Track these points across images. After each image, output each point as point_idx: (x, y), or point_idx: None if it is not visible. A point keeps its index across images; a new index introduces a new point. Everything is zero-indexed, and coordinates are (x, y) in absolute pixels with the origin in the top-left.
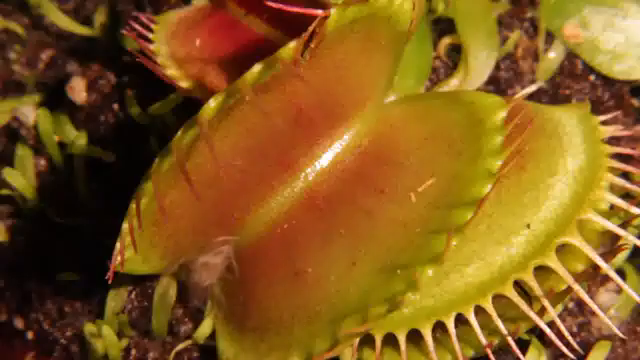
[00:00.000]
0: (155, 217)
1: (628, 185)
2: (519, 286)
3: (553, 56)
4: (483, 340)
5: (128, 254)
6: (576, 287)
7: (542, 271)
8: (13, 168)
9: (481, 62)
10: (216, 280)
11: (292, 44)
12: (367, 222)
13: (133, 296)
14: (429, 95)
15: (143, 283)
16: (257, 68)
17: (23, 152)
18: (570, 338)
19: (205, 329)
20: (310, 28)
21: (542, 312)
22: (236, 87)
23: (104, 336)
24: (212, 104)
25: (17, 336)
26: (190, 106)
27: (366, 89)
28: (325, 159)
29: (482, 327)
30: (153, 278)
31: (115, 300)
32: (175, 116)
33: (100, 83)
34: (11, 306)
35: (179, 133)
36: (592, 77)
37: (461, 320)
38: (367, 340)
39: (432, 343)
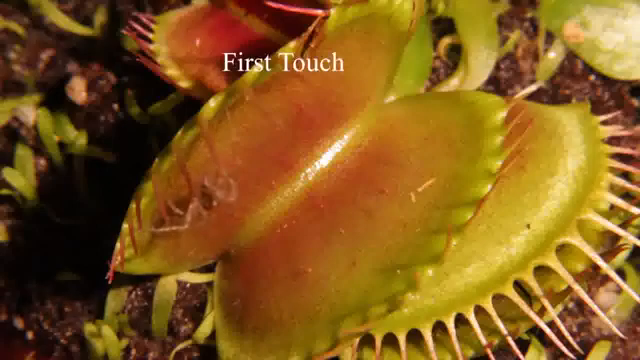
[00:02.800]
0: (155, 217)
1: (628, 185)
2: (519, 286)
3: (553, 56)
4: (483, 340)
5: (128, 254)
6: (576, 287)
7: (542, 271)
8: (13, 168)
9: (481, 62)
10: (216, 280)
11: (292, 44)
12: (367, 222)
13: (133, 296)
14: (429, 95)
15: (143, 283)
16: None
17: (23, 152)
18: (570, 338)
19: (205, 329)
20: (310, 28)
21: (542, 312)
22: (236, 87)
23: (104, 336)
24: (212, 104)
25: (17, 336)
26: (190, 106)
27: (366, 89)
28: (325, 159)
29: (482, 327)
30: (153, 278)
31: (115, 300)
32: (175, 116)
33: (100, 83)
34: (11, 306)
35: (179, 133)
36: (592, 77)
37: (461, 320)
38: (367, 340)
39: (432, 343)
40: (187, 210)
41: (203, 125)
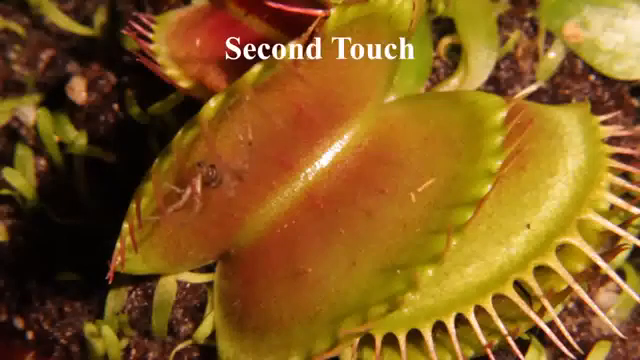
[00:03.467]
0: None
1: (628, 185)
2: (519, 286)
3: (553, 56)
4: (483, 340)
5: (128, 254)
6: (576, 287)
7: (542, 271)
8: (13, 168)
9: (481, 62)
10: (216, 280)
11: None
12: (367, 222)
13: (133, 296)
14: (429, 95)
15: (143, 283)
16: (257, 68)
17: (23, 152)
18: (570, 338)
19: (205, 329)
20: (310, 28)
21: (542, 312)
22: (236, 87)
23: (104, 336)
24: (212, 104)
25: (17, 336)
26: (190, 106)
27: (366, 89)
28: (325, 159)
29: (482, 327)
30: (153, 278)
31: (115, 300)
32: (175, 116)
33: (100, 83)
34: (11, 306)
35: (179, 133)
36: (592, 77)
37: (461, 320)
38: (367, 340)
39: (432, 343)
40: (187, 209)
41: (203, 125)
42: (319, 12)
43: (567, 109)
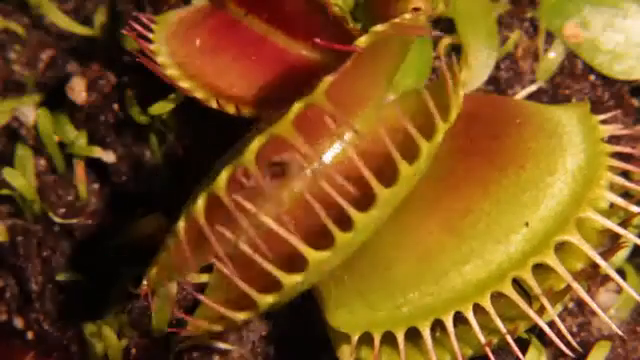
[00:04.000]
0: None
1: (628, 184)
2: (518, 285)
3: (553, 56)
4: (482, 339)
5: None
6: (575, 286)
7: (541, 270)
8: (13, 168)
9: (481, 62)
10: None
11: (329, 79)
12: None
13: (133, 296)
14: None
15: (143, 283)
16: (297, 107)
17: (23, 152)
18: (570, 338)
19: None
20: (347, 63)
21: (541, 311)
22: (279, 129)
23: (104, 336)
24: (257, 145)
25: (17, 336)
26: (190, 106)
27: (368, 89)
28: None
29: (481, 327)
30: None
31: (115, 300)
32: (175, 116)
33: (100, 83)
34: (11, 306)
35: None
36: (592, 77)
37: (460, 319)
38: (366, 339)
39: (431, 341)
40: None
41: (250, 164)
42: (353, 47)
43: (567, 109)
